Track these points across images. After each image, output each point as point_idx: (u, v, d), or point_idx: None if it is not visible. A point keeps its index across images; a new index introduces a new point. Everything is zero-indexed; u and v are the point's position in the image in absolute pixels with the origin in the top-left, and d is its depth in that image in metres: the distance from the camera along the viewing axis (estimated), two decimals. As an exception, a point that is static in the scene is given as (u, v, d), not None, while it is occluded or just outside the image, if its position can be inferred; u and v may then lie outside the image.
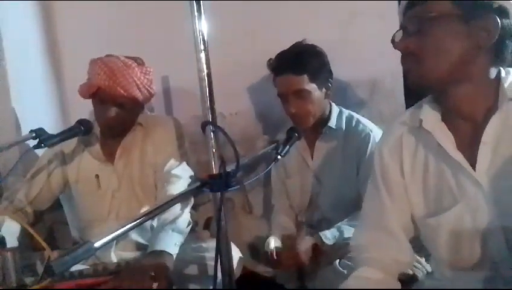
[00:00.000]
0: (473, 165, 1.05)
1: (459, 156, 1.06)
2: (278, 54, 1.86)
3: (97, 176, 1.83)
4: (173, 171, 1.78)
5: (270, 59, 1.89)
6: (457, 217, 1.07)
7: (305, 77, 1.79)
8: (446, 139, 1.08)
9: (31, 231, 1.60)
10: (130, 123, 1.82)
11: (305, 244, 1.72)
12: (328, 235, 1.74)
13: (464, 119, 1.07)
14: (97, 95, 1.72)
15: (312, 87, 1.81)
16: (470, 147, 1.06)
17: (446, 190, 1.09)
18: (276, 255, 1.77)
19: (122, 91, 1.69)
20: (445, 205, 1.09)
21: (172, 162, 1.79)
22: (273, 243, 1.80)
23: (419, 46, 1.04)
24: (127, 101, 1.72)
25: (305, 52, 1.82)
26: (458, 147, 1.07)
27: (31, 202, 1.83)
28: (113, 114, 1.72)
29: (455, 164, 1.07)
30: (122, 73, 1.69)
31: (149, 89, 1.78)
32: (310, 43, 1.87)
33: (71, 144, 1.84)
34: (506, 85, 1.04)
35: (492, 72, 1.06)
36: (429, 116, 1.11)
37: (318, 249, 1.73)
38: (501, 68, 1.07)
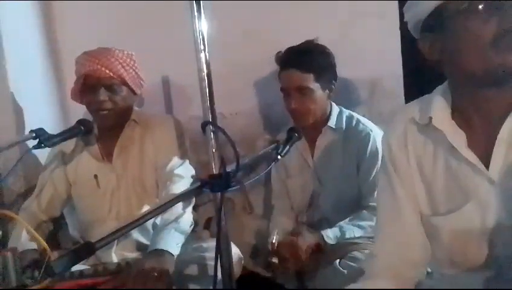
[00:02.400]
0: (485, 162, 1.03)
1: (471, 155, 1.04)
2: (288, 48, 1.86)
3: (96, 176, 1.83)
4: (176, 171, 1.78)
5: (280, 52, 1.89)
6: (466, 216, 1.05)
7: (311, 75, 1.79)
8: (457, 137, 1.06)
9: (32, 231, 1.60)
10: (123, 113, 1.82)
11: (306, 240, 1.72)
12: (330, 235, 1.73)
13: (481, 116, 1.04)
14: (85, 84, 1.74)
15: (316, 86, 1.81)
16: (482, 145, 1.04)
17: (456, 189, 1.07)
18: (276, 247, 1.76)
19: (107, 71, 1.72)
20: (455, 204, 1.07)
21: (174, 161, 1.80)
22: (276, 236, 1.80)
23: None
24: (114, 81, 1.74)
25: (314, 51, 1.82)
26: (469, 144, 1.05)
27: (45, 212, 1.84)
28: (104, 97, 1.73)
29: (466, 162, 1.04)
30: (104, 54, 1.74)
31: (134, 69, 1.80)
32: (319, 43, 1.87)
33: (70, 145, 1.84)
34: None
35: None
36: (439, 113, 1.08)
37: (319, 247, 1.73)
38: None
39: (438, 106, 1.09)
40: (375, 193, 1.73)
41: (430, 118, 1.08)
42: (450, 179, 1.08)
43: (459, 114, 1.07)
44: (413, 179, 1.14)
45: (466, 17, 0.96)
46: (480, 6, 0.94)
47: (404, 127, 1.14)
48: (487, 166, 1.03)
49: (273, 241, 1.76)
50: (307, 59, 1.79)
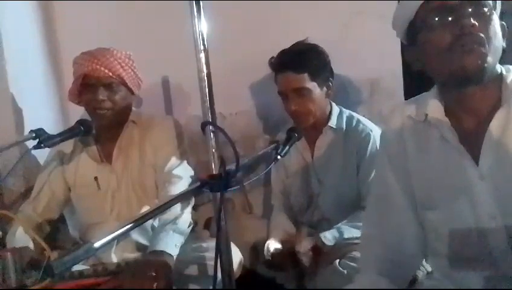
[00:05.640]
0: (475, 160, 1.06)
1: (462, 150, 1.08)
2: (280, 52, 1.86)
3: (96, 178, 1.83)
4: (174, 172, 1.78)
5: (272, 57, 1.89)
6: (459, 211, 1.09)
7: (306, 75, 1.79)
8: (450, 133, 1.09)
9: (32, 232, 1.61)
10: (122, 113, 1.82)
11: (305, 245, 1.72)
12: (328, 237, 1.73)
13: (469, 114, 1.09)
14: (84, 83, 1.74)
15: (312, 85, 1.81)
16: (472, 143, 1.07)
17: (448, 184, 1.10)
18: (276, 256, 1.77)
19: (106, 70, 1.72)
20: (447, 200, 1.10)
21: (172, 162, 1.79)
22: (272, 247, 1.80)
23: (485, 33, 1.02)
24: (113, 80, 1.74)
25: (307, 51, 1.82)
26: (461, 142, 1.08)
27: (41, 215, 1.83)
28: (103, 96, 1.73)
29: (458, 158, 1.08)
30: (103, 54, 1.74)
31: (133, 69, 1.80)
32: (311, 42, 1.88)
33: (70, 145, 1.84)
34: (508, 81, 1.07)
35: (497, 69, 1.08)
36: (434, 111, 1.12)
37: (318, 250, 1.73)
38: (500, 65, 1.09)
39: (433, 104, 1.13)
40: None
41: (426, 115, 1.13)
42: (443, 175, 1.11)
43: (450, 113, 1.11)
44: (410, 173, 1.17)
45: (427, 30, 1.06)
46: (435, 20, 1.04)
47: (402, 123, 1.18)
48: (478, 162, 1.06)
49: (271, 250, 1.76)
50: (300, 60, 1.79)
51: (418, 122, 1.16)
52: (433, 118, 1.12)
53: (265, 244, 1.81)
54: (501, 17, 1.08)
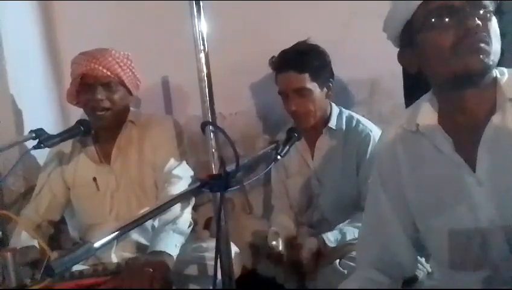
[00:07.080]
0: (472, 165, 1.05)
1: (457, 159, 1.06)
2: (281, 51, 1.87)
3: (95, 179, 1.82)
4: (174, 172, 1.77)
5: (273, 57, 1.89)
6: (458, 218, 1.08)
7: (307, 75, 1.79)
8: (444, 142, 1.08)
9: (31, 232, 1.61)
10: (120, 113, 1.81)
11: (309, 247, 1.72)
12: (331, 238, 1.73)
13: (465, 119, 1.07)
14: (82, 83, 1.74)
15: (313, 86, 1.81)
16: (468, 148, 1.06)
17: (446, 192, 1.09)
18: (278, 256, 1.77)
19: (104, 70, 1.72)
20: (447, 207, 1.09)
21: (172, 161, 1.79)
22: (279, 241, 1.80)
23: (487, 33, 1.01)
24: (111, 80, 1.74)
25: (308, 51, 1.82)
26: (456, 148, 1.07)
27: (43, 217, 1.83)
28: (101, 95, 1.73)
29: (454, 165, 1.07)
30: (102, 54, 1.74)
31: (131, 69, 1.80)
32: (312, 42, 1.88)
33: (69, 145, 1.84)
34: (502, 84, 1.06)
35: (493, 72, 1.07)
36: (426, 119, 1.11)
37: (320, 251, 1.73)
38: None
39: (424, 113, 1.12)
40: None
41: (417, 125, 1.11)
42: (440, 183, 1.10)
43: (445, 119, 1.10)
44: (404, 189, 1.16)
45: (428, 31, 1.04)
46: (438, 21, 1.02)
47: (395, 135, 1.17)
48: (475, 168, 1.05)
49: (274, 245, 1.77)
50: (301, 60, 1.79)
51: (410, 133, 1.14)
52: (425, 127, 1.10)
53: (269, 232, 1.82)
54: (500, 17, 1.08)
